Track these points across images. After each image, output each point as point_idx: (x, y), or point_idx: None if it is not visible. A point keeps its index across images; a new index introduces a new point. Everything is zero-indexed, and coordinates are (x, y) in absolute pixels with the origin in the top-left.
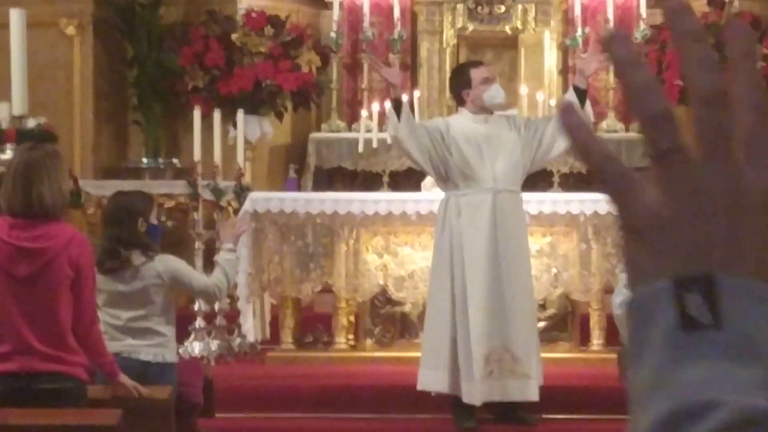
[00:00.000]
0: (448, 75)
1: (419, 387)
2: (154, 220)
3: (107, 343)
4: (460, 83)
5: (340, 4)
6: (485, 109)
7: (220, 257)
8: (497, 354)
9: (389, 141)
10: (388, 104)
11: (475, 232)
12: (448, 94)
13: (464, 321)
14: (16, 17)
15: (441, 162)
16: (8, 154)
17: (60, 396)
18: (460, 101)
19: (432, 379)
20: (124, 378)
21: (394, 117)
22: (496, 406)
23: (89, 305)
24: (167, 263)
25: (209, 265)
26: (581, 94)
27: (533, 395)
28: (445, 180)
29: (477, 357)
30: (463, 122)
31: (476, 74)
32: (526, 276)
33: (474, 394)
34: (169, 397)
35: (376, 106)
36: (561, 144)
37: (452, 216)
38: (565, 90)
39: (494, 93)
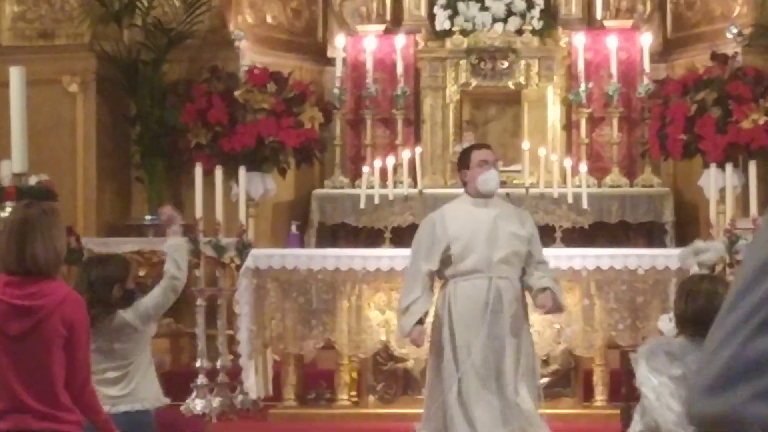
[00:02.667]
0: (451, 131)
1: None
2: (131, 285)
3: None
4: (462, 164)
5: (344, 61)
6: (482, 193)
7: (167, 244)
8: None
9: (391, 197)
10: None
11: (471, 319)
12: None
13: (465, 412)
14: (16, 75)
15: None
16: (8, 212)
17: None
18: (463, 183)
19: None
20: None
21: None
22: None
23: (83, 364)
24: (132, 308)
25: (211, 323)
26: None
27: None
28: (446, 265)
29: None
30: (461, 208)
31: (475, 155)
32: (526, 362)
33: None
34: None
35: (378, 163)
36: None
37: (450, 300)
38: (568, 146)
39: (488, 177)
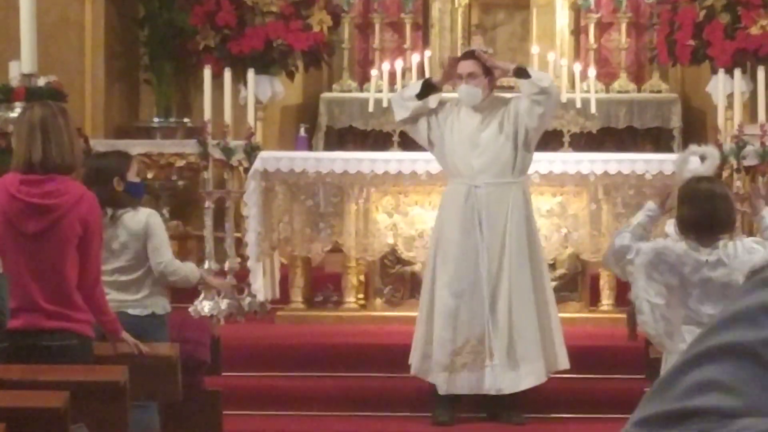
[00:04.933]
0: (459, 35)
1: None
2: (134, 178)
3: None
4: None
5: None
6: None
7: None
8: (471, 346)
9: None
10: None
11: (449, 223)
12: None
13: (431, 309)
14: None
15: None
16: (17, 113)
17: (65, 352)
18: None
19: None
20: (126, 335)
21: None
22: (482, 403)
23: (94, 264)
24: (153, 218)
25: (219, 226)
26: (521, 73)
27: (503, 389)
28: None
29: (446, 346)
30: (456, 110)
31: (457, 67)
32: (509, 268)
33: (442, 383)
34: (176, 354)
35: (386, 66)
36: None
37: (441, 204)
38: (576, 51)
39: (461, 93)
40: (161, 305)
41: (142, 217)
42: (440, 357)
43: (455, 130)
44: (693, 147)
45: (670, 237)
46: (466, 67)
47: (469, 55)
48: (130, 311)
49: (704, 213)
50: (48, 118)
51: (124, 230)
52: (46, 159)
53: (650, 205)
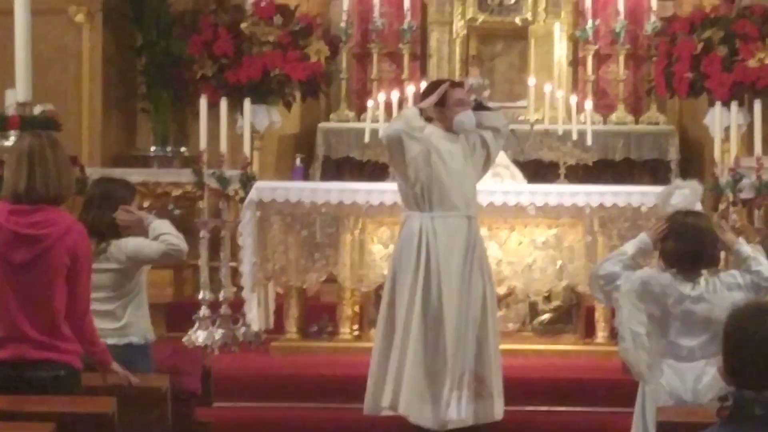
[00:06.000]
0: (457, 66)
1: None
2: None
3: None
4: (431, 97)
5: None
6: (456, 131)
7: (156, 227)
8: (468, 377)
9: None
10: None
11: (451, 257)
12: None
13: (436, 344)
14: (19, 3)
15: (419, 179)
16: (12, 141)
17: (53, 384)
18: (428, 118)
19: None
20: (116, 366)
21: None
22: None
23: (84, 295)
24: (126, 244)
25: (215, 255)
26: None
27: (498, 415)
28: (418, 199)
29: (448, 380)
30: (430, 140)
31: (453, 94)
32: (490, 297)
33: (441, 418)
34: (165, 385)
35: (383, 97)
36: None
37: (428, 237)
38: (574, 83)
39: (464, 118)
40: (141, 335)
41: (121, 250)
42: (436, 391)
43: (441, 160)
44: (678, 181)
45: (656, 268)
46: (465, 92)
47: (460, 83)
48: (108, 341)
49: (690, 247)
50: (35, 148)
51: (106, 261)
52: (30, 189)
53: (644, 237)
